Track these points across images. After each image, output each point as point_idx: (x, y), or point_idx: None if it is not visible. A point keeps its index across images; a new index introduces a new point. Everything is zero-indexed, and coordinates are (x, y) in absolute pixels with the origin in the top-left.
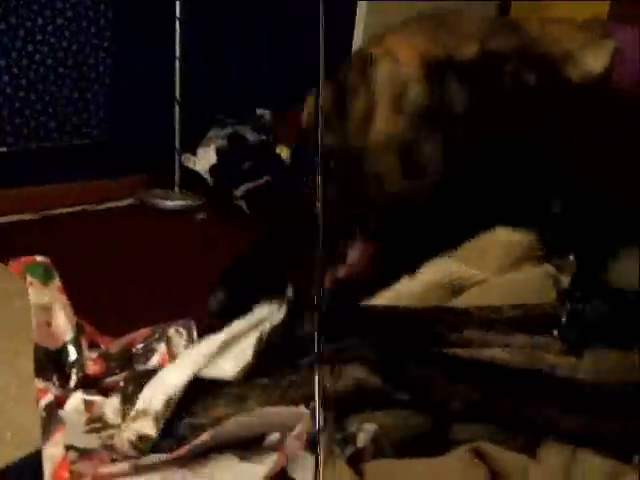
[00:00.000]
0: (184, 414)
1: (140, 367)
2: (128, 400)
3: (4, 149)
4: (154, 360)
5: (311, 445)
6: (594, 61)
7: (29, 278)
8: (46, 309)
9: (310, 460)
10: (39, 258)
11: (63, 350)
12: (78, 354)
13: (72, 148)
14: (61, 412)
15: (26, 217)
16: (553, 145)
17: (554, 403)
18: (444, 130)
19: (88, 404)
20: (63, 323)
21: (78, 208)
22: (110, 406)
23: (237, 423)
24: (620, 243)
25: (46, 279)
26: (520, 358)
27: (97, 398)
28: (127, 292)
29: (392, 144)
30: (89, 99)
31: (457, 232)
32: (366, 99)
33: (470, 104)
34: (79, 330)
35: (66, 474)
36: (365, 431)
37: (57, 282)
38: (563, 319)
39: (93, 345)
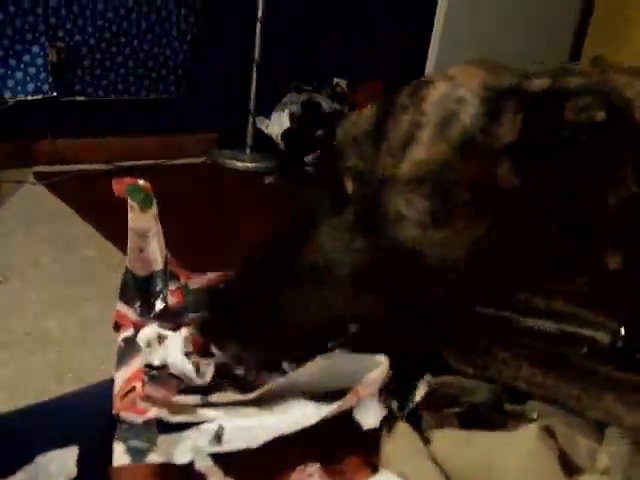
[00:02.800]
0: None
1: None
2: None
3: (82, 98)
4: None
5: (383, 394)
6: None
7: (130, 201)
8: (141, 235)
9: (378, 408)
10: (141, 182)
11: (151, 278)
12: (164, 285)
13: (149, 102)
14: (138, 340)
15: (100, 167)
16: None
17: (614, 396)
18: (487, 168)
19: (161, 337)
20: (155, 251)
21: (151, 162)
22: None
23: (315, 367)
24: None
25: (145, 204)
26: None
27: (170, 333)
28: (195, 241)
29: (426, 177)
30: (169, 55)
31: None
32: (412, 119)
33: (522, 136)
34: (166, 261)
35: (137, 382)
36: (421, 387)
37: (155, 209)
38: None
39: (172, 277)
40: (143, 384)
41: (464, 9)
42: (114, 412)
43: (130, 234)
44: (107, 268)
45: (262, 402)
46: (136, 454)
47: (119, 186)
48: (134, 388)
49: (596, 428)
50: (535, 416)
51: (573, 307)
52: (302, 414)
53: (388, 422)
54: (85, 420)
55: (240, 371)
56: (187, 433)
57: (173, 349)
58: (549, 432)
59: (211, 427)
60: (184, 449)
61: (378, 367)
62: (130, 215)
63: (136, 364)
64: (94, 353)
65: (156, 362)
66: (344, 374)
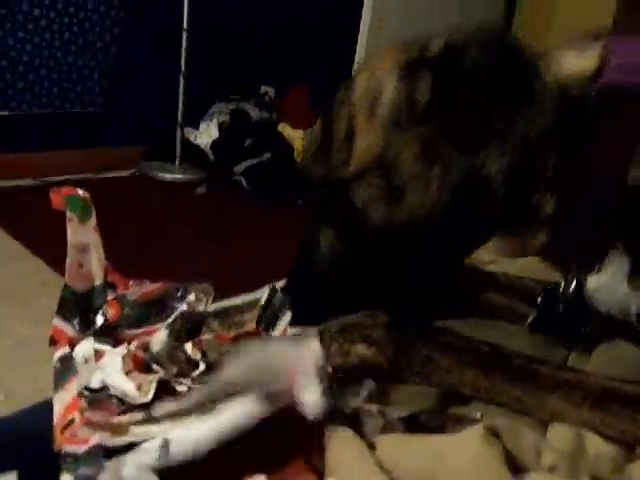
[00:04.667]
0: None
1: (159, 320)
2: (174, 334)
3: (5, 113)
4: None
5: (324, 383)
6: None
7: (68, 213)
8: (81, 249)
9: (318, 387)
10: (80, 191)
11: (90, 294)
12: (104, 300)
13: (74, 115)
14: (74, 360)
15: (26, 183)
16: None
17: (558, 395)
18: (415, 129)
19: (98, 353)
20: (95, 266)
21: (78, 176)
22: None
23: (245, 361)
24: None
25: (84, 216)
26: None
27: (107, 348)
28: (127, 254)
29: (374, 161)
30: (94, 67)
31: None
32: (347, 112)
33: (434, 93)
34: (106, 274)
35: (76, 412)
36: (363, 389)
37: (93, 220)
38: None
39: (110, 286)
40: (82, 413)
41: (391, 12)
42: (55, 448)
43: (70, 249)
44: (38, 285)
45: (204, 409)
46: None
47: (57, 197)
48: (73, 420)
49: (541, 422)
50: (478, 416)
51: (502, 298)
52: (244, 408)
53: (331, 420)
54: (24, 444)
55: (180, 387)
56: (131, 454)
57: (112, 369)
58: (493, 432)
59: (156, 443)
60: (131, 470)
61: (309, 349)
62: (69, 228)
63: (73, 388)
64: (27, 373)
65: (94, 384)
66: (276, 362)
